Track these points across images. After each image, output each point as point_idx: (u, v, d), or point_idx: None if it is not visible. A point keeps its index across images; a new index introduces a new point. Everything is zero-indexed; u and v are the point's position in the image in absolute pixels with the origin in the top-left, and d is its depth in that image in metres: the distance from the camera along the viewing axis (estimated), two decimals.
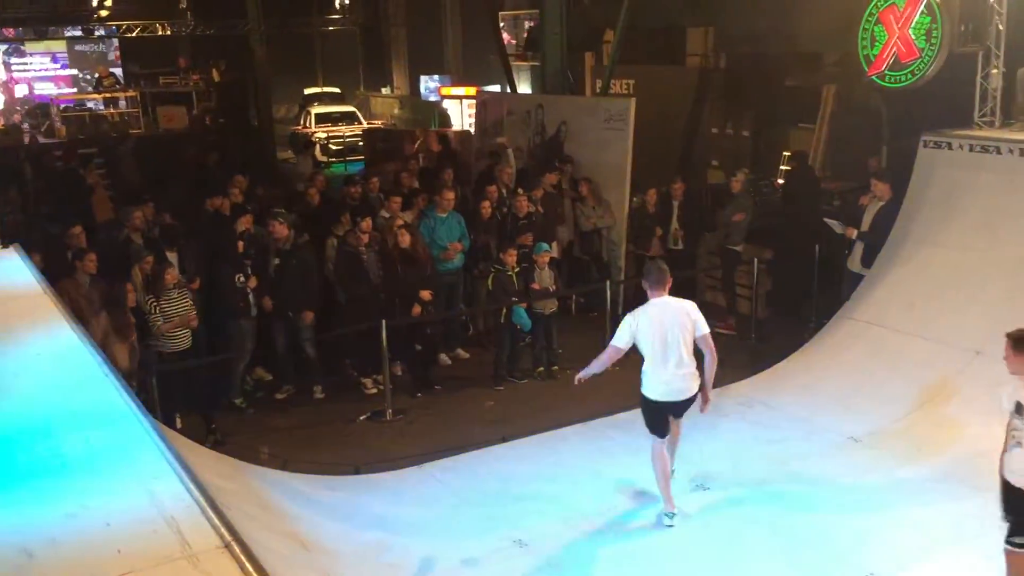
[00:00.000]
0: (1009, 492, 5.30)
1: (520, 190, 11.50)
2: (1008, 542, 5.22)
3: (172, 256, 9.33)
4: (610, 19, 15.53)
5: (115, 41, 31.08)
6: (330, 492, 7.48)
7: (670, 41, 15.98)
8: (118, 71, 29.92)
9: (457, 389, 10.02)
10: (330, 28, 34.32)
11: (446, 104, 24.92)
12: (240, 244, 9.46)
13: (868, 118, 12.64)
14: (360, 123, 26.47)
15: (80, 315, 7.28)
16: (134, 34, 29.18)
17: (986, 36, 9.51)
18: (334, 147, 24.94)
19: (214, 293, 9.43)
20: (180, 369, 8.62)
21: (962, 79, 9.72)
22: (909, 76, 9.61)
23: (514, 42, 23.99)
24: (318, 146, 24.36)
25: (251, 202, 11.12)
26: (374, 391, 9.80)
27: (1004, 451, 5.29)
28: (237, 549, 3.42)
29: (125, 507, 3.79)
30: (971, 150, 9.29)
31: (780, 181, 12.86)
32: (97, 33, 30.34)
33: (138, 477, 4.04)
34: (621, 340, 6.63)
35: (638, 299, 7.62)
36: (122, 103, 26.37)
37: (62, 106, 25.95)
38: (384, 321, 9.10)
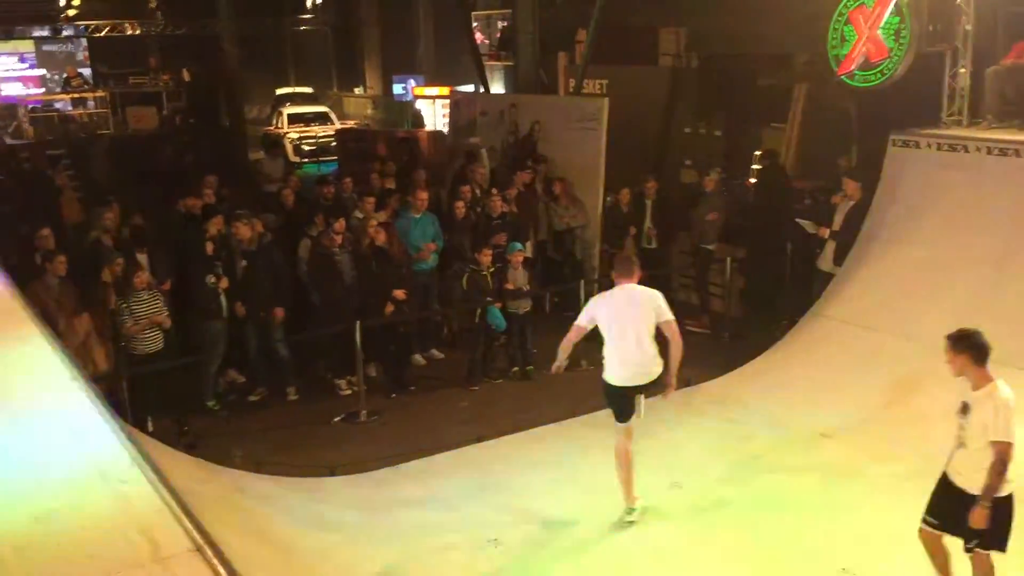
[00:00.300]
0: (948, 490, 5.33)
1: (494, 190, 11.50)
2: (967, 549, 5.29)
3: (142, 257, 9.23)
4: (583, 19, 15.56)
5: (83, 41, 30.74)
6: (304, 494, 7.44)
7: (643, 41, 16.02)
8: (87, 71, 29.56)
9: (432, 390, 10.00)
10: (302, 28, 34.13)
11: (419, 104, 24.84)
12: (209, 246, 9.38)
13: (838, 117, 12.73)
14: (333, 123, 26.30)
15: (48, 317, 7.20)
16: (103, 34, 28.87)
17: (954, 36, 9.64)
18: (307, 147, 24.73)
19: (185, 295, 9.36)
20: (152, 371, 8.53)
21: (930, 79, 9.82)
22: (879, 76, 9.70)
23: (487, 42, 23.98)
24: (291, 146, 24.15)
25: (219, 203, 11.02)
26: (348, 392, 9.75)
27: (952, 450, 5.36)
28: (209, 552, 3.38)
29: (95, 511, 3.74)
30: (939, 149, 9.40)
31: (752, 180, 12.94)
32: (65, 33, 29.98)
33: (108, 480, 3.99)
34: (582, 319, 6.88)
35: None
36: (91, 104, 26.02)
37: (30, 107, 25.58)
38: (358, 322, 9.07)
